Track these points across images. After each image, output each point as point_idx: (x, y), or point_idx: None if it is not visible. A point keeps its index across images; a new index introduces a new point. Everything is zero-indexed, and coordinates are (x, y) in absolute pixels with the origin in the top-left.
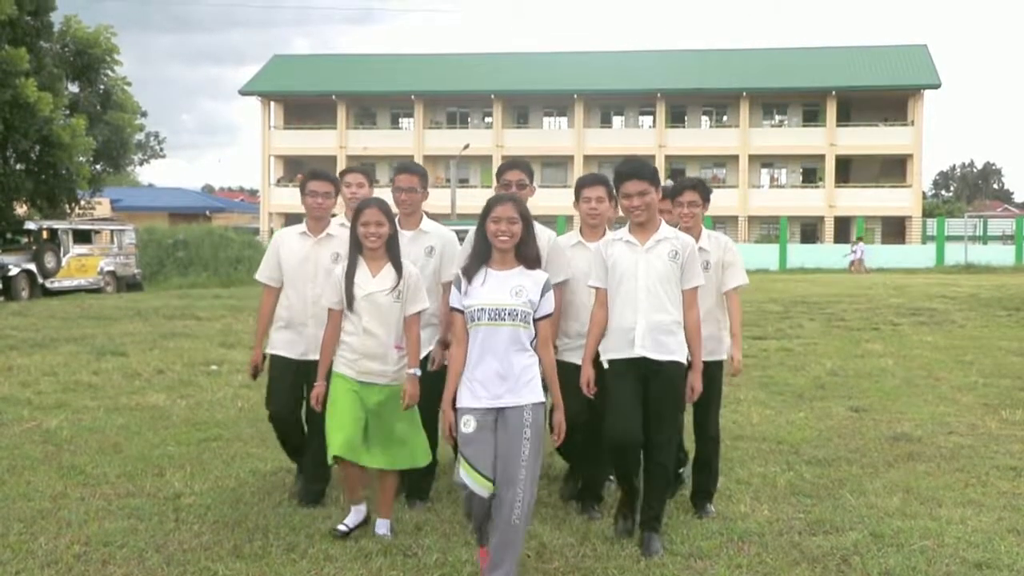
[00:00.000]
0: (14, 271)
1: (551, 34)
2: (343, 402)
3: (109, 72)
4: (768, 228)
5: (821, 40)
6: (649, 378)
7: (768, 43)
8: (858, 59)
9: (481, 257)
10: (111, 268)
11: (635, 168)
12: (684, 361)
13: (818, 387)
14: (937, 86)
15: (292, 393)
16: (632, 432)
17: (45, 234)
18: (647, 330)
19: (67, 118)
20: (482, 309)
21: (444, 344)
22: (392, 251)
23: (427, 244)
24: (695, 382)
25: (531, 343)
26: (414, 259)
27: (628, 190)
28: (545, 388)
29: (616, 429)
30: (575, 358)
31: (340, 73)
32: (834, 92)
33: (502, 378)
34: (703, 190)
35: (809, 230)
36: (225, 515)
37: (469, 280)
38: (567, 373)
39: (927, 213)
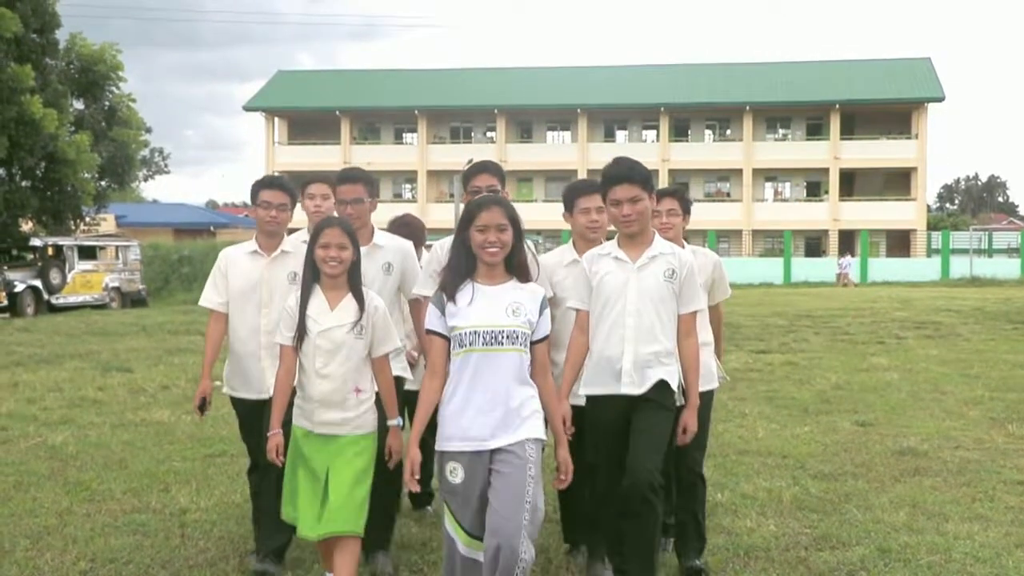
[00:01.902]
0: (20, 287)
1: (554, 49)
2: (305, 469)
3: (114, 89)
4: (772, 242)
5: (824, 54)
6: (633, 411)
7: (771, 57)
8: (862, 72)
9: (463, 271)
10: (116, 284)
11: (625, 170)
12: (674, 384)
13: (823, 401)
14: (941, 99)
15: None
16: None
17: (50, 250)
18: (635, 364)
19: (72, 134)
20: (475, 332)
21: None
22: (354, 280)
23: (384, 260)
24: (689, 421)
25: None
26: (371, 279)
27: (617, 196)
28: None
29: (606, 489)
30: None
31: (344, 88)
32: (838, 105)
33: (498, 415)
34: (683, 199)
35: (813, 244)
36: (231, 531)
37: (452, 298)
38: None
39: (932, 226)
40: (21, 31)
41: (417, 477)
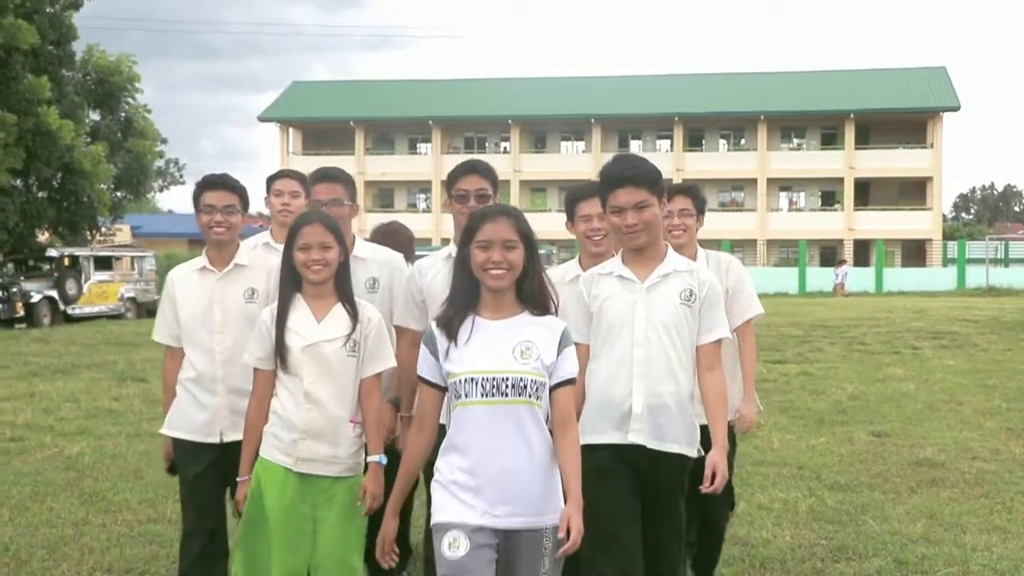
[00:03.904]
0: (36, 298)
1: (568, 59)
2: (278, 510)
3: (130, 100)
4: (787, 252)
5: (839, 63)
6: (644, 472)
7: (786, 66)
8: (876, 82)
9: (464, 301)
10: (132, 294)
11: (629, 170)
12: (694, 454)
13: (839, 411)
14: (956, 108)
15: (210, 489)
16: (633, 561)
17: (66, 261)
18: (647, 407)
19: (88, 145)
20: (472, 380)
21: (397, 406)
22: (342, 286)
23: (367, 276)
24: (718, 462)
25: (547, 424)
26: None
27: (620, 201)
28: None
29: (612, 560)
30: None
31: (358, 99)
32: (852, 115)
33: (507, 483)
34: (696, 197)
35: (828, 253)
36: None
37: (451, 336)
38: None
39: (947, 236)
40: (38, 43)
41: (395, 555)
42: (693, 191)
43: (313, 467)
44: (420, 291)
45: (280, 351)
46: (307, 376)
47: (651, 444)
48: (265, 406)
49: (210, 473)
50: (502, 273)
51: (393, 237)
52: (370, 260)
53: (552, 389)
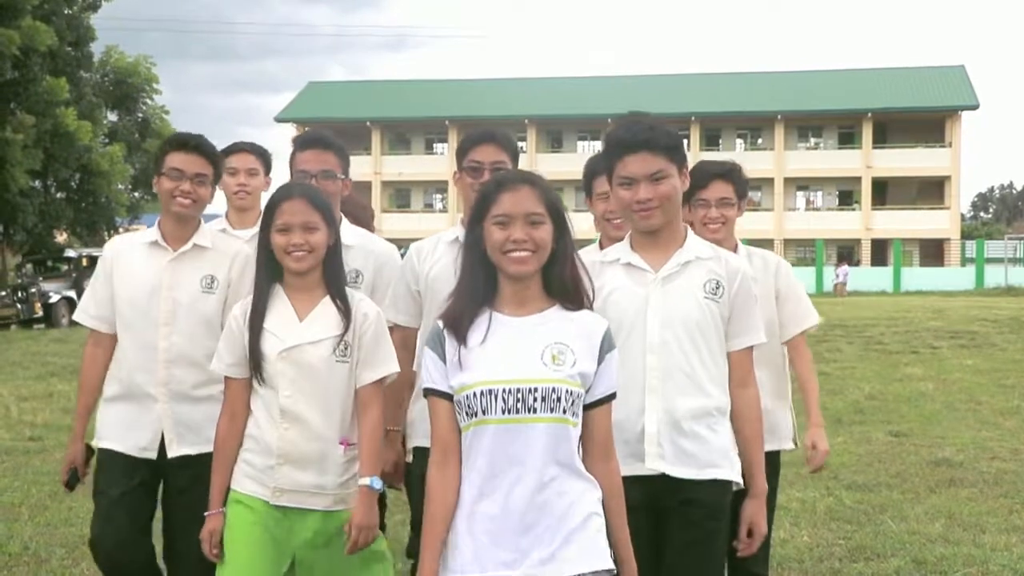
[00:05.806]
0: (55, 298)
1: (584, 58)
2: (245, 554)
3: (148, 101)
4: (804, 251)
5: (857, 62)
6: (669, 510)
7: (803, 65)
8: (894, 81)
9: (476, 293)
10: None
11: (643, 133)
12: (732, 479)
13: (857, 411)
14: (975, 107)
15: (136, 515)
16: None
17: (85, 261)
18: (664, 425)
19: (105, 146)
20: (490, 392)
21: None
22: (332, 277)
23: (350, 267)
24: (756, 517)
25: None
26: None
27: (630, 171)
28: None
29: None
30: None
31: (374, 99)
32: (870, 114)
33: (532, 521)
34: (738, 182)
35: (845, 253)
36: None
37: (461, 338)
38: None
39: (966, 235)
40: (56, 44)
41: None
42: (734, 174)
43: (295, 499)
44: (416, 279)
45: (253, 357)
46: (284, 388)
47: (675, 472)
48: (239, 422)
49: (139, 494)
50: (526, 255)
51: (349, 217)
52: (356, 248)
53: (590, 407)
